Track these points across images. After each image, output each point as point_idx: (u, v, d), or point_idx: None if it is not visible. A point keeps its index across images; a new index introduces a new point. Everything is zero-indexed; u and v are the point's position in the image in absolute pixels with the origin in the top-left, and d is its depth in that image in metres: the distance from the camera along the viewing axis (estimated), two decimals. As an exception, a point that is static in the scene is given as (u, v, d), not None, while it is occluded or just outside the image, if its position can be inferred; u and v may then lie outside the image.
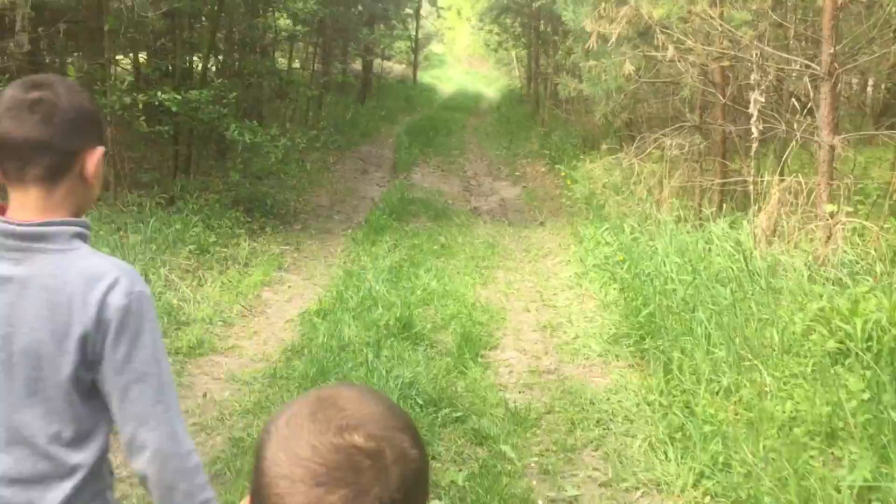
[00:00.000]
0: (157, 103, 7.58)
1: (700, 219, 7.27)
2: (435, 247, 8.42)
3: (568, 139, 14.41)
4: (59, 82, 1.50)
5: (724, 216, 7.20)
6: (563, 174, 12.89)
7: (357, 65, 23.75)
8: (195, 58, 9.22)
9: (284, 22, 9.57)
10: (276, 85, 10.81)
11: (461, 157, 15.54)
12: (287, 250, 8.32)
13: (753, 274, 5.37)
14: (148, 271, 6.65)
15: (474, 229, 9.55)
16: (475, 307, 6.41)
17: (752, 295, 5.27)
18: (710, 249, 6.12)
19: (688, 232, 6.79)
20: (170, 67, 8.68)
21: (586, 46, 7.10)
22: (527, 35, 21.75)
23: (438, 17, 30.41)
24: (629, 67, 6.95)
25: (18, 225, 1.45)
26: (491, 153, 16.06)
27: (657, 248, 6.42)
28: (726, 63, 6.75)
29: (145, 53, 8.78)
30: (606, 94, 7.58)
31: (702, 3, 6.00)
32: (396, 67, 30.52)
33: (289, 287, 7.15)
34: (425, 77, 33.80)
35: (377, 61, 25.86)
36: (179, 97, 7.58)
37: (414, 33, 28.55)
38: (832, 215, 5.90)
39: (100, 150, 1.52)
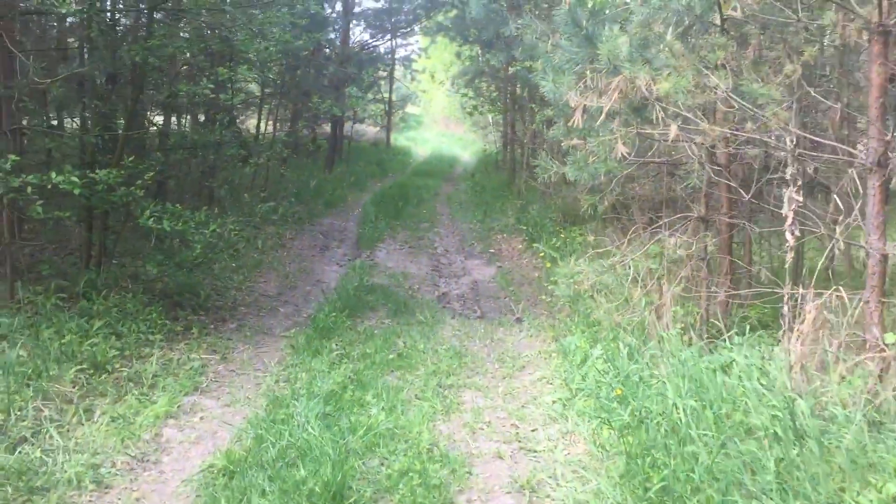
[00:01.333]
0: (48, 186, 6.11)
1: (710, 335, 5.86)
2: (391, 356, 6.92)
3: (546, 213, 13.09)
4: None
5: (739, 329, 5.80)
6: (541, 254, 11.53)
7: (328, 127, 22.56)
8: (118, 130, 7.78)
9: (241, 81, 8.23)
10: (229, 153, 9.31)
11: (431, 230, 14.15)
12: (211, 361, 6.79)
13: (801, 436, 3.93)
14: (11, 407, 5.12)
15: (440, 329, 8.07)
16: (432, 456, 4.90)
17: (801, 462, 3.84)
18: (735, 388, 4.68)
19: (699, 354, 5.36)
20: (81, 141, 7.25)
21: (570, 123, 5.75)
22: (502, 100, 20.62)
23: (413, 80, 29.40)
24: (622, 149, 5.60)
25: None
26: (464, 226, 14.69)
27: (664, 382, 4.97)
28: (748, 150, 5.43)
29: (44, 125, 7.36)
30: (592, 179, 6.20)
31: (718, 78, 4.68)
32: (370, 130, 29.38)
33: (200, 419, 5.61)
34: (400, 139, 32.70)
35: (349, 123, 24.68)
36: (77, 180, 6.12)
37: (388, 95, 27.46)
38: (889, 345, 4.53)
39: None
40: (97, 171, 6.57)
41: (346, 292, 9.21)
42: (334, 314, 8.03)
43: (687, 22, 5.46)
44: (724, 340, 5.59)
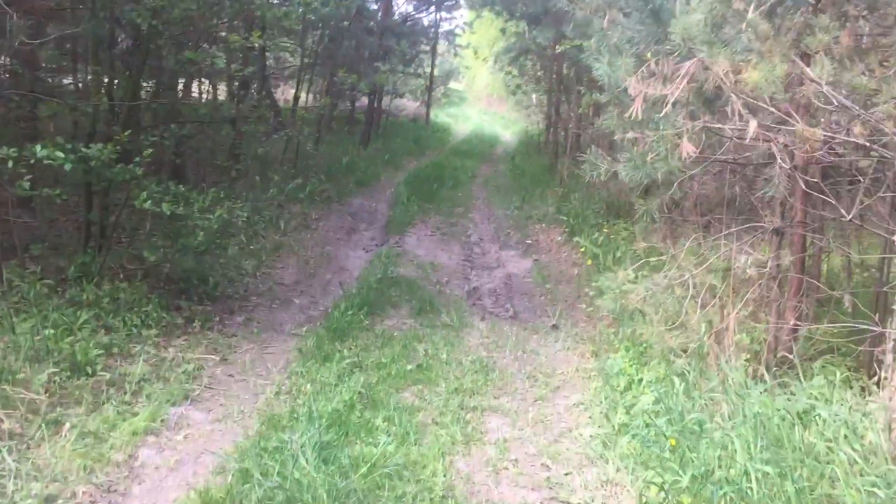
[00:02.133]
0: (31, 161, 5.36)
1: (781, 369, 4.95)
2: (409, 367, 6.11)
3: (589, 205, 12.13)
4: None
5: (816, 365, 4.89)
6: (581, 249, 10.62)
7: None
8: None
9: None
10: (248, 129, 8.48)
11: (466, 216, 13.28)
12: (208, 363, 6.04)
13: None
14: (-36, 419, 4.41)
15: (467, 334, 7.23)
16: (446, 505, 4.10)
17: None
18: (818, 449, 3.79)
19: (769, 395, 4.46)
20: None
21: (627, 114, 4.84)
22: (547, 79, 19.58)
23: (456, 55, 28.36)
24: (688, 147, 4.68)
25: None
26: (500, 213, 13.79)
27: (729, 434, 4.08)
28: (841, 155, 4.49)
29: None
30: (648, 179, 5.29)
31: (820, 67, 3.74)
32: (410, 105, 28.46)
33: (185, 437, 4.86)
34: (441, 115, 31.74)
35: (388, 98, 23.83)
36: (62, 154, 5.37)
37: (429, 70, 26.49)
38: None
39: None
40: (91, 145, 5.80)
41: (367, 285, 8.42)
42: (351, 312, 7.24)
43: (775, -2, 4.50)
44: (799, 378, 4.69)
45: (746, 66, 3.92)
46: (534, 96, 24.94)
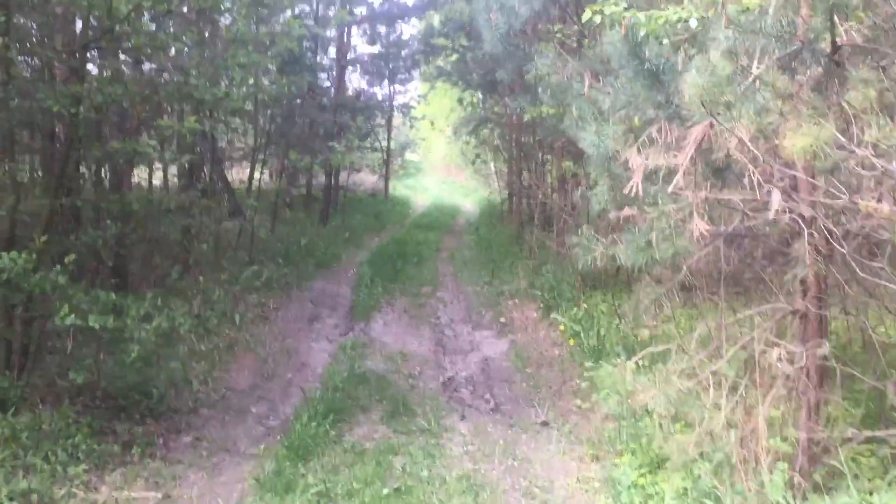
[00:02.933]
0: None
1: (823, 479, 4.17)
2: (385, 490, 5.21)
3: (563, 277, 11.43)
4: None
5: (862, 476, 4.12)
6: (561, 327, 9.86)
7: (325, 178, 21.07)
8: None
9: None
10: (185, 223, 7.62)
11: (434, 295, 12.48)
12: (148, 502, 5.09)
13: None
14: None
15: (448, 440, 6.35)
16: None
17: None
18: None
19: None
20: None
21: (627, 189, 4.12)
22: (507, 148, 19.13)
23: (411, 127, 27.98)
24: (702, 225, 3.97)
25: None
26: (470, 289, 13.02)
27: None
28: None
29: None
30: (653, 263, 4.56)
31: (871, 126, 3.07)
32: (368, 178, 27.88)
33: None
34: (400, 188, 31.21)
35: (345, 173, 23.19)
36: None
37: (385, 144, 26.02)
38: None
39: None
40: (3, 253, 4.93)
41: (332, 384, 7.53)
42: (315, 423, 6.33)
43: (788, 50, 3.86)
44: (849, 489, 3.91)
45: (788, 131, 3.23)
46: (492, 165, 24.55)
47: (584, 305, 10.15)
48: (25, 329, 5.77)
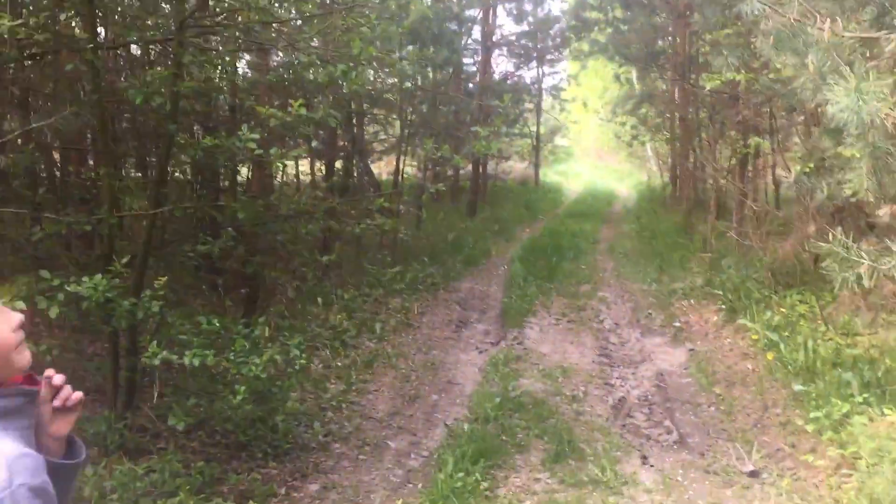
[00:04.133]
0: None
1: None
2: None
3: (749, 273, 9.72)
4: None
5: None
6: (754, 336, 8.22)
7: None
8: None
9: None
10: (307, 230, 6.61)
11: (595, 295, 11.05)
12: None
13: None
14: None
15: (630, 496, 5.01)
16: None
17: None
18: None
19: None
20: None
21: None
22: (669, 127, 17.30)
23: (562, 111, 26.40)
24: None
25: None
26: (635, 287, 11.49)
27: None
28: None
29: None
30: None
31: None
32: (517, 166, 26.61)
33: None
34: (550, 174, 29.75)
35: (493, 162, 22.03)
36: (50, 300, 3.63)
37: (535, 129, 24.63)
38: None
39: None
40: (86, 278, 4.04)
41: (483, 413, 6.34)
42: (463, 471, 5.15)
43: None
44: None
45: None
46: (648, 147, 22.67)
47: (781, 308, 8.44)
48: (130, 362, 4.91)
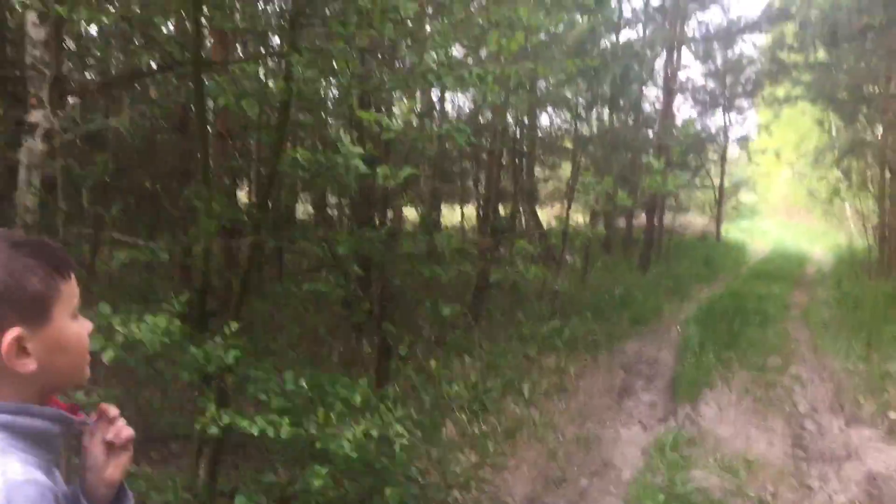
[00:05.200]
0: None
1: None
2: None
3: None
4: None
5: None
6: None
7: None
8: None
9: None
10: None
11: (786, 370, 9.31)
12: None
13: None
14: None
15: None
16: None
17: None
18: None
19: None
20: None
21: None
22: (878, 181, 15.08)
23: (750, 161, 24.27)
24: None
25: None
26: (836, 364, 9.63)
27: None
28: None
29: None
30: None
31: None
32: (696, 221, 24.67)
33: None
34: (732, 231, 27.44)
35: (670, 214, 20.39)
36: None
37: (718, 181, 22.71)
38: None
39: (12, 334, 1.14)
40: (151, 316, 3.25)
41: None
42: None
43: None
44: None
45: None
46: (847, 205, 20.18)
47: None
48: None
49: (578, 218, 15.73)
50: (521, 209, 15.17)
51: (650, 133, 17.35)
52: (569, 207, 13.28)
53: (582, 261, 13.94)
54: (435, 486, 5.29)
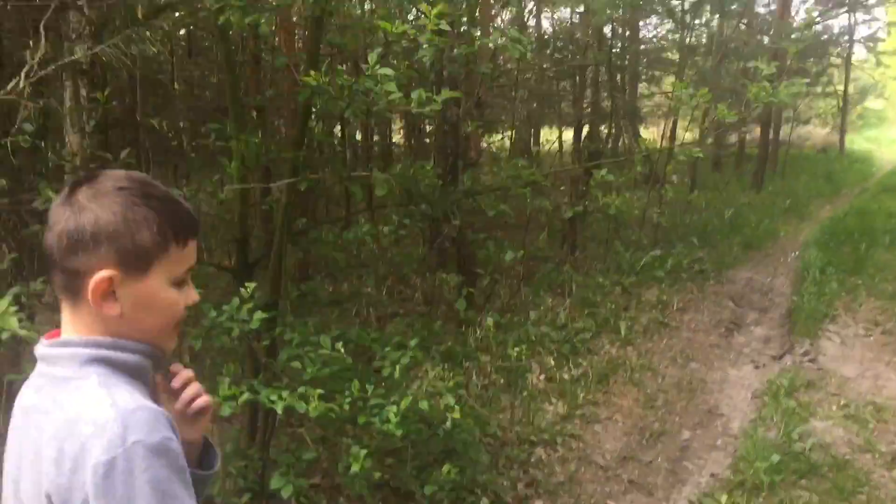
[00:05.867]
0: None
1: None
2: None
3: None
4: (92, 180, 1.15)
5: None
6: None
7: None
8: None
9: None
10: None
11: (920, 298, 8.25)
12: None
13: None
14: None
15: None
16: None
17: None
18: None
19: None
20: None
21: None
22: None
23: (879, 65, 21.95)
24: None
25: (45, 345, 1.17)
26: (984, 290, 8.46)
27: None
28: None
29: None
30: None
31: None
32: (816, 133, 22.73)
33: None
34: (857, 141, 25.24)
35: (787, 126, 18.78)
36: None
37: (842, 88, 20.69)
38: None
39: (105, 273, 1.13)
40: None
41: (753, 478, 4.38)
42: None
43: None
44: None
45: None
46: None
47: None
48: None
49: (686, 136, 14.57)
50: (622, 130, 14.15)
51: (765, 40, 15.77)
52: (674, 126, 12.22)
53: (688, 182, 12.91)
54: (516, 444, 4.78)
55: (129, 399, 1.08)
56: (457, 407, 3.05)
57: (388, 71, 2.80)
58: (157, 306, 1.18)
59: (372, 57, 2.78)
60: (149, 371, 1.21)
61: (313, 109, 3.69)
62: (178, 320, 1.22)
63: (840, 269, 9.04)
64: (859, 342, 7.06)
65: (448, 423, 3.11)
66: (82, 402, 1.08)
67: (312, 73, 2.77)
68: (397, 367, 2.95)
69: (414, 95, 2.81)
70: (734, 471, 4.56)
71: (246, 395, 2.66)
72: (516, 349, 5.66)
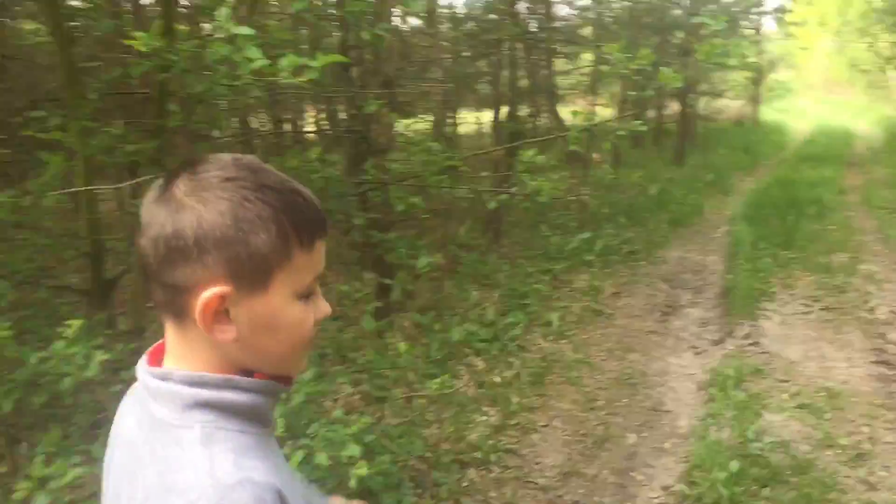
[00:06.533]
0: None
1: None
2: None
3: None
4: (192, 169, 0.91)
5: None
6: None
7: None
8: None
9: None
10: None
11: (856, 269, 7.95)
12: None
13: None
14: None
15: None
16: None
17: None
18: None
19: None
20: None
21: None
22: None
23: (788, 36, 22.11)
24: None
25: (146, 370, 0.96)
26: (913, 256, 8.27)
27: None
28: None
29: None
30: None
31: None
32: (731, 105, 22.79)
33: None
34: (768, 113, 25.50)
35: (703, 99, 18.67)
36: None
37: (754, 60, 20.71)
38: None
39: (215, 291, 0.89)
40: None
41: (710, 491, 3.86)
42: None
43: None
44: None
45: None
46: (892, 73, 18.25)
47: None
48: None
49: (605, 112, 14.16)
50: (541, 109, 13.67)
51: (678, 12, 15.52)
52: (594, 103, 11.75)
53: (610, 160, 12.52)
54: (445, 466, 4.14)
55: (231, 468, 0.87)
56: (363, 464, 2.39)
57: (248, 30, 2.10)
58: (280, 326, 0.97)
59: (221, 13, 2.07)
60: (268, 411, 0.99)
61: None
62: (307, 340, 1.00)
63: (771, 243, 8.72)
64: (800, 321, 6.69)
65: (353, 482, 2.44)
66: (179, 463, 0.87)
67: (138, 35, 2.04)
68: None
69: (284, 61, 2.13)
70: (688, 483, 4.03)
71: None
72: (439, 354, 5.02)
